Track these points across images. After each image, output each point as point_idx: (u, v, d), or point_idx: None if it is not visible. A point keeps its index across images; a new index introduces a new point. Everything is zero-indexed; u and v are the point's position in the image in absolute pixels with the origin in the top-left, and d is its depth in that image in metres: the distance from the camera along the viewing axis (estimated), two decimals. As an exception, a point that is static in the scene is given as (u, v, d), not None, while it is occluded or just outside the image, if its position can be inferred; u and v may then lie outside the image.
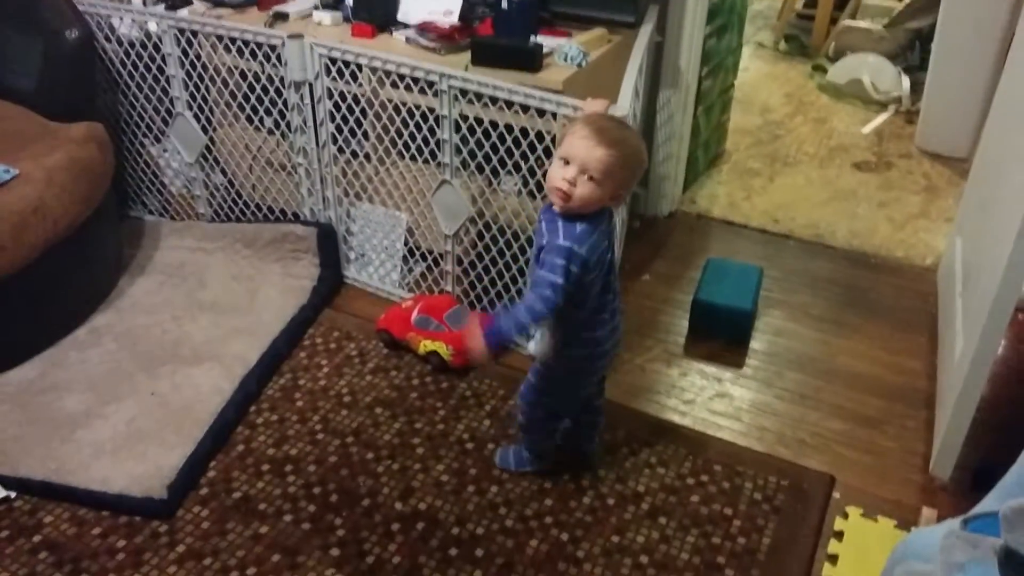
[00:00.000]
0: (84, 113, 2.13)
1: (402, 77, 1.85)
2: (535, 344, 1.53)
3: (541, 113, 1.70)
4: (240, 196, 2.31)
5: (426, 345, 1.88)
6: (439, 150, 1.88)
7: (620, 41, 2.01)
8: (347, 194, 2.14)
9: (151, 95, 2.24)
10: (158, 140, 2.34)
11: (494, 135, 1.79)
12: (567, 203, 1.28)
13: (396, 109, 1.95)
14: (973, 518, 1.02)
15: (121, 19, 2.18)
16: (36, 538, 1.49)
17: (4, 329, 1.84)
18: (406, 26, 2.02)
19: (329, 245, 2.18)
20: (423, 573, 1.43)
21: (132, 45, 2.19)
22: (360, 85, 1.94)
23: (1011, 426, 1.64)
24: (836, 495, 1.58)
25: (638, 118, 1.97)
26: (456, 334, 1.87)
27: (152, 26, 2.12)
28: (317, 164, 2.10)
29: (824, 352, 1.98)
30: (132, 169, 2.41)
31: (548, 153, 1.73)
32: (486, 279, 1.98)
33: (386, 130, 1.99)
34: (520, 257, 1.88)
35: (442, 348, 1.86)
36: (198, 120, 2.21)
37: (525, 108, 1.71)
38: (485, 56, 1.86)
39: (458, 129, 1.84)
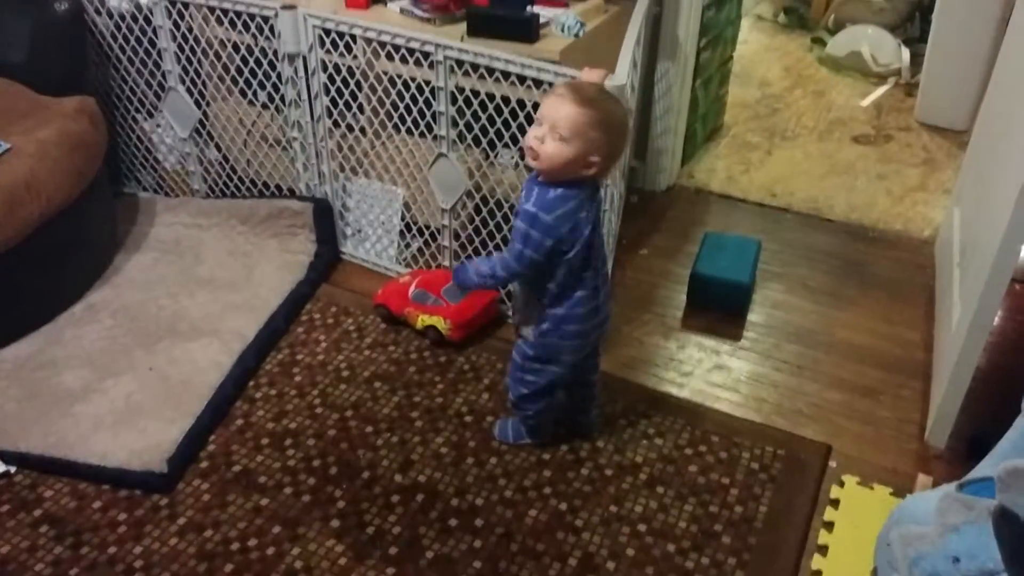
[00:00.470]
0: (75, 87, 2.10)
1: (397, 48, 1.83)
2: (516, 317, 1.53)
3: (539, 84, 1.68)
4: (235, 172, 2.29)
5: (424, 320, 1.88)
6: (435, 123, 1.87)
7: (618, 11, 1.99)
8: (343, 169, 2.12)
9: (143, 69, 2.21)
10: (151, 115, 2.31)
11: (491, 107, 1.77)
12: (536, 162, 1.30)
13: (391, 81, 1.92)
14: (968, 483, 1.03)
15: (111, -9, 2.15)
16: (37, 512, 1.49)
17: (0, 305, 1.83)
18: (401, -4, 2.00)
19: (325, 220, 2.17)
20: (423, 543, 1.44)
21: (123, 18, 2.16)
22: (355, 57, 1.92)
23: (1005, 395, 1.64)
24: (833, 464, 1.59)
25: (636, 89, 1.95)
26: (454, 308, 1.87)
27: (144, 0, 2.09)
28: (312, 138, 2.09)
29: (822, 324, 1.98)
30: (125, 145, 2.38)
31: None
32: (483, 253, 1.97)
33: (381, 103, 1.97)
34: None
35: (440, 322, 1.86)
36: (191, 95, 2.19)
37: (522, 79, 1.69)
38: (481, 26, 1.83)
39: (454, 101, 1.82)
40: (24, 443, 1.60)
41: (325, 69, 1.96)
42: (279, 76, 2.01)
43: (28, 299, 1.89)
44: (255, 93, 2.12)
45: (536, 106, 1.69)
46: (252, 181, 2.29)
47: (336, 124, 2.05)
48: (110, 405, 1.68)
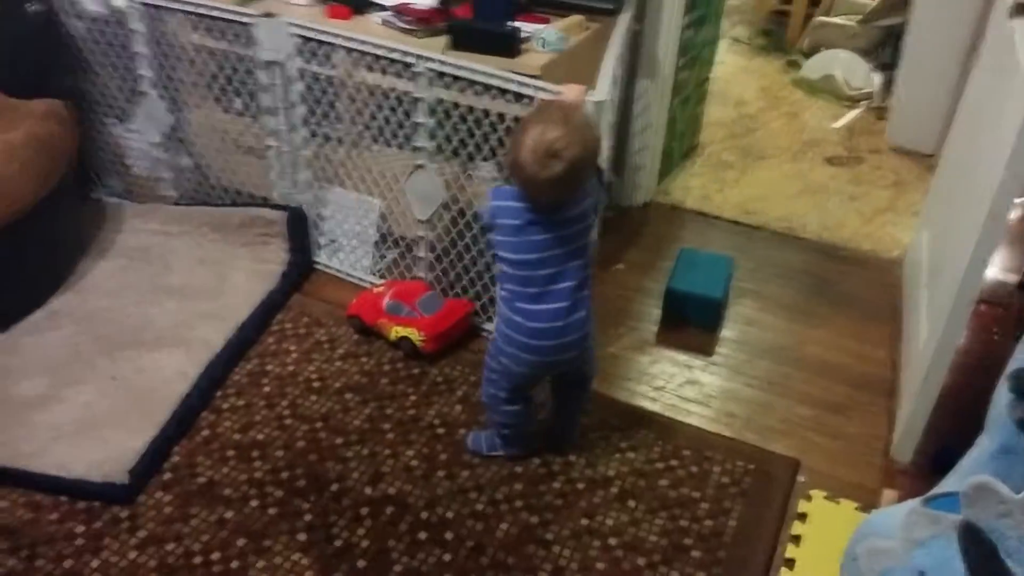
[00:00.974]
0: (46, 90, 2.07)
1: (378, 59, 1.83)
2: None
3: (519, 98, 1.69)
4: (208, 179, 2.26)
5: (397, 331, 1.86)
6: (414, 134, 1.86)
7: (598, 28, 2.01)
8: (319, 178, 2.10)
9: (115, 73, 2.18)
10: (122, 120, 2.28)
11: (470, 120, 1.77)
12: None
13: (370, 92, 1.92)
14: (933, 497, 1.04)
15: (85, -7, 2.12)
16: (-9, 523, 1.45)
17: (-42, 310, 1.78)
18: (383, 8, 2.00)
19: (299, 230, 2.15)
20: (392, 556, 1.42)
21: (96, 21, 2.13)
22: (334, 67, 1.91)
23: (969, 413, 1.67)
24: (801, 479, 1.60)
25: (615, 106, 1.97)
26: (428, 320, 1.85)
27: (118, 1, 2.06)
28: (288, 147, 2.07)
29: (792, 340, 2.01)
30: (95, 149, 2.34)
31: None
32: (459, 266, 1.97)
33: (360, 113, 1.96)
34: (493, 243, 1.87)
35: (414, 334, 1.84)
36: (164, 100, 2.16)
37: (503, 92, 1.70)
38: (463, 40, 1.84)
39: (433, 113, 1.82)
40: (-21, 452, 1.55)
41: (303, 77, 1.95)
42: (256, 83, 1.99)
43: (-11, 304, 1.84)
44: (231, 100, 2.10)
45: (516, 120, 1.71)
46: (225, 188, 2.26)
47: (313, 133, 2.03)
48: (70, 415, 1.63)
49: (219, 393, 1.75)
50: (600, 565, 1.42)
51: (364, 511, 1.50)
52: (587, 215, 1.41)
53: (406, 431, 1.68)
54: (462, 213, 1.91)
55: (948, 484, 1.09)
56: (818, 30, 3.69)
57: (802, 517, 1.51)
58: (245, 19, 1.92)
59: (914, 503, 1.06)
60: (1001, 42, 1.65)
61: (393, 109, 1.87)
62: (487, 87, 1.71)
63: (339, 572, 1.39)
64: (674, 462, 1.62)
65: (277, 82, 1.97)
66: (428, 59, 1.76)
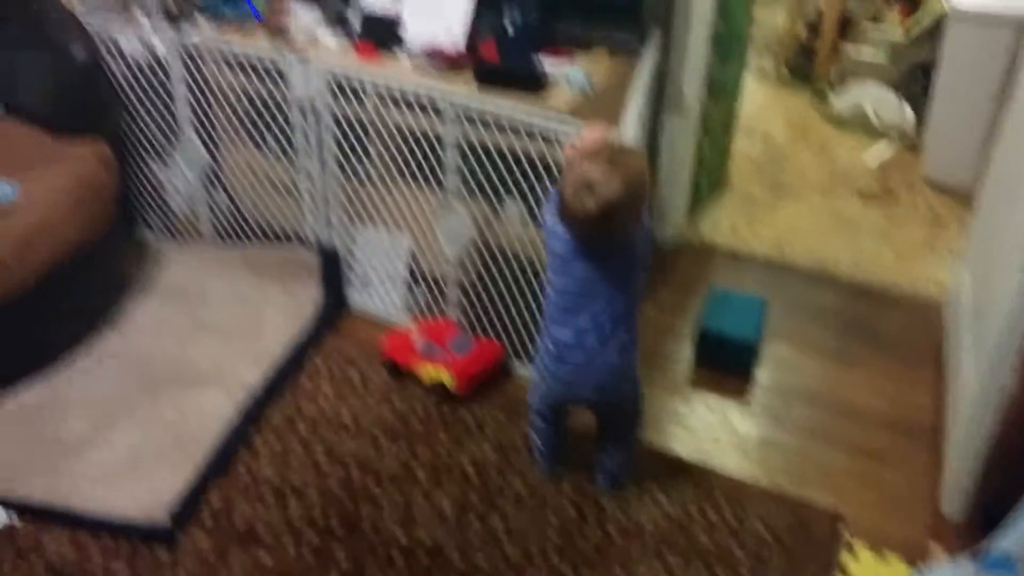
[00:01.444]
0: (90, 132, 2.13)
1: (406, 99, 1.86)
2: None
3: (546, 139, 1.70)
4: (244, 217, 2.31)
5: (430, 373, 1.86)
6: (443, 174, 1.88)
7: (623, 63, 2.02)
8: (350, 217, 2.13)
9: (155, 115, 2.24)
10: (162, 160, 2.34)
11: (499, 160, 1.79)
12: None
13: (400, 132, 1.95)
14: (986, 556, 1.01)
15: (127, 39, 2.19)
16: (37, 561, 1.46)
17: (7, 351, 1.82)
18: (406, 45, 2.03)
19: (332, 269, 2.17)
20: (425, 607, 1.41)
21: (138, 65, 2.20)
22: (364, 107, 1.94)
23: (1019, 462, 1.63)
24: (842, 530, 1.56)
25: (642, 142, 1.97)
26: (461, 360, 1.85)
27: (159, 47, 2.13)
28: (320, 186, 2.10)
29: (829, 385, 1.97)
30: (136, 189, 2.40)
31: (552, 179, 1.73)
32: (490, 306, 1.97)
33: (390, 152, 1.99)
34: (523, 284, 1.88)
35: (446, 376, 1.84)
36: (202, 140, 2.22)
37: (530, 133, 1.71)
38: (490, 80, 1.87)
39: (462, 154, 1.84)
40: (26, 491, 1.57)
41: (335, 118, 1.99)
42: (289, 124, 2.04)
43: (36, 344, 1.88)
44: (265, 140, 2.15)
45: (542, 159, 1.72)
46: (260, 226, 2.30)
47: (345, 172, 2.07)
48: (113, 454, 1.66)
49: (255, 432, 1.77)
50: (636, 618, 1.39)
51: (397, 556, 1.49)
52: (633, 258, 1.42)
53: (438, 474, 1.67)
54: (492, 253, 1.92)
55: (1002, 542, 1.05)
56: (846, 63, 3.67)
57: (845, 573, 1.47)
58: (279, 61, 1.97)
59: (966, 566, 1.03)
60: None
61: (423, 149, 1.89)
62: (515, 128, 1.73)
63: (372, 621, 1.38)
64: (710, 511, 1.59)
65: (309, 122, 2.01)
66: (456, 99, 1.78)
